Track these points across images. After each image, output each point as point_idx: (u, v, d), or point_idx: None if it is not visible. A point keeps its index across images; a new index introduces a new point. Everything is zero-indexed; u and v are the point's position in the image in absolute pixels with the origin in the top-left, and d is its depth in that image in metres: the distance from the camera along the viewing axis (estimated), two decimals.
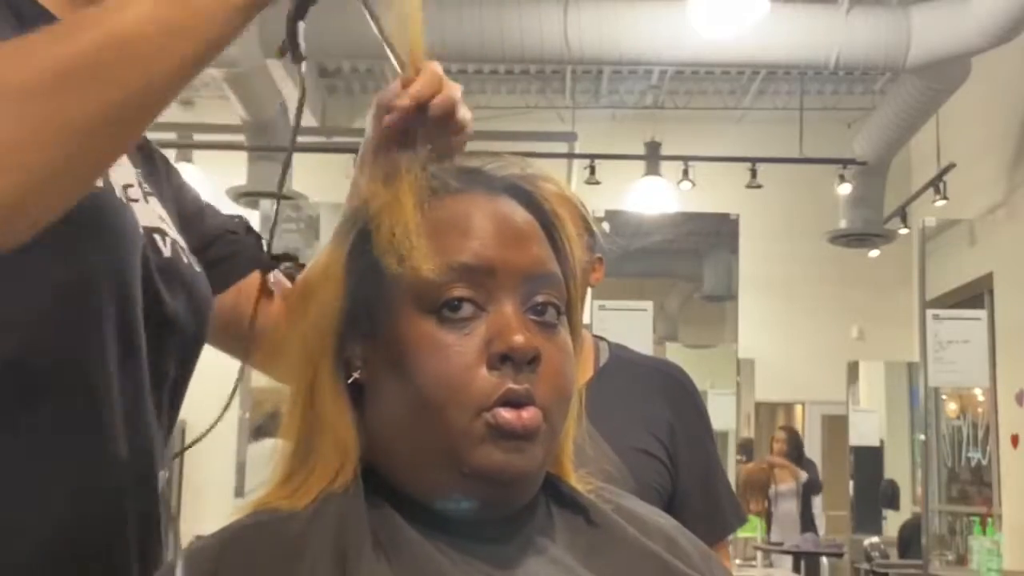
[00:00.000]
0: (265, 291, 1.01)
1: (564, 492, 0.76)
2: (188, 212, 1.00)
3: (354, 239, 0.73)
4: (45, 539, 0.75)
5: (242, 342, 0.97)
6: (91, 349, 0.78)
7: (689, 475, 1.54)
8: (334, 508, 0.68)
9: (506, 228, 0.71)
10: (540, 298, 0.71)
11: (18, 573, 0.74)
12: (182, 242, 0.91)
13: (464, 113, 0.89)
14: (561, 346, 0.71)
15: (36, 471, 0.76)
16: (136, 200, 0.86)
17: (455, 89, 0.88)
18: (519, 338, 0.67)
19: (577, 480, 0.78)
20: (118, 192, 0.83)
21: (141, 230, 0.83)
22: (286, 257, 1.07)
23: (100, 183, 0.80)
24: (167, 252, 0.87)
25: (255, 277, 1.02)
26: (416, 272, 0.68)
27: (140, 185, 0.88)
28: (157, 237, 0.87)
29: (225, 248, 1.02)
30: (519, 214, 0.73)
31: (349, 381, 0.72)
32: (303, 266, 1.05)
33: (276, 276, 1.03)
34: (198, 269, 0.91)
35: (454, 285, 0.68)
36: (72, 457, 0.77)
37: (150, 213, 0.88)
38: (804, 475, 6.73)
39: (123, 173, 0.86)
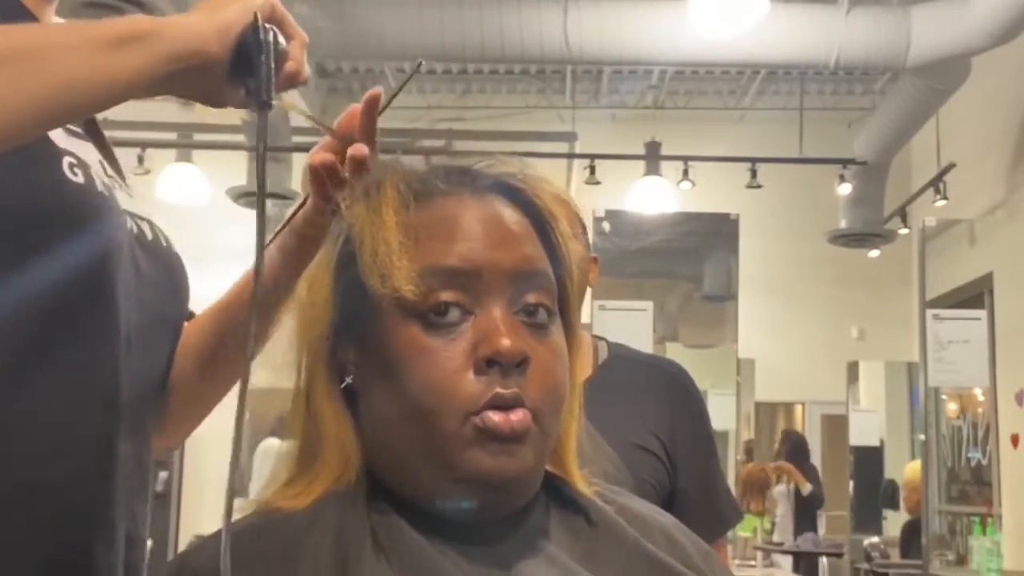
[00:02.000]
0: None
1: (565, 493, 0.76)
2: None
3: (340, 247, 0.73)
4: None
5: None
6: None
7: (688, 473, 1.54)
8: (335, 509, 0.68)
9: (493, 228, 0.70)
10: (531, 299, 0.70)
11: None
12: (151, 219, 0.93)
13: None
14: (552, 347, 0.71)
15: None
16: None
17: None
18: (505, 342, 0.67)
19: (581, 480, 0.78)
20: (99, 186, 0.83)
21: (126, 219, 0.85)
22: None
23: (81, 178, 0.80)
24: (149, 235, 0.90)
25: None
26: (398, 292, 0.67)
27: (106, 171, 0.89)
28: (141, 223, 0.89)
29: None
30: (507, 213, 0.72)
31: (343, 385, 0.72)
32: None
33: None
34: (175, 250, 0.93)
35: (440, 290, 0.68)
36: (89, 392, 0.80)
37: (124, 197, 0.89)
38: (809, 487, 6.69)
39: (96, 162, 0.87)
